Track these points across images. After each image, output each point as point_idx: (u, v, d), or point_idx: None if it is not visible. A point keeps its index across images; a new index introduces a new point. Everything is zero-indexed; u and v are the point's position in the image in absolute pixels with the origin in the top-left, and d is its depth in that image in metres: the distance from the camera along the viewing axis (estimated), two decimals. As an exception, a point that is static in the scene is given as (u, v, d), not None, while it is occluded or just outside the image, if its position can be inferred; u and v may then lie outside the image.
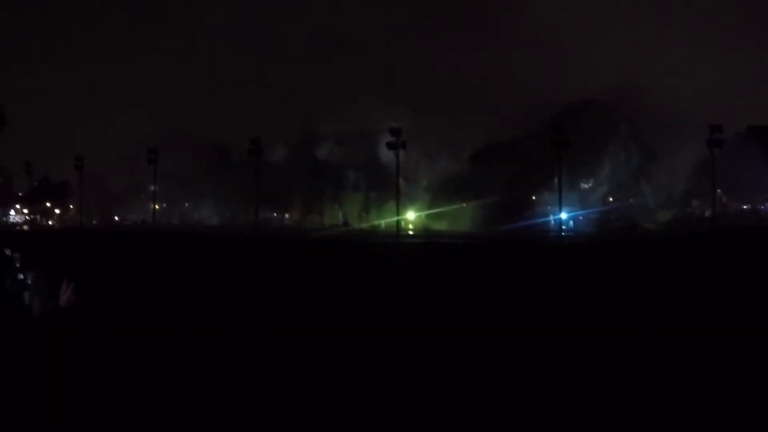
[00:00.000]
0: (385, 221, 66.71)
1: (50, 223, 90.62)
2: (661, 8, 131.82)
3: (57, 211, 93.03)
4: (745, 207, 71.49)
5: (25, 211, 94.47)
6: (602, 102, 68.58)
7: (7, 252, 3.43)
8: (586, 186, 67.80)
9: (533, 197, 66.78)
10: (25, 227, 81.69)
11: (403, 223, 63.17)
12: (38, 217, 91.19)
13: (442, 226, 64.87)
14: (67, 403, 3.59)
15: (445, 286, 16.59)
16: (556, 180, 56.10)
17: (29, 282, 3.62)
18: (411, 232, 62.76)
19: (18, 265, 3.63)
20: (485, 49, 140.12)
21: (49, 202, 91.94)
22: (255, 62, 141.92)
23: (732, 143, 63.34)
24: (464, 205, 66.10)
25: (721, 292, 15.32)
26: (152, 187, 68.39)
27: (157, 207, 70.63)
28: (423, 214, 69.72)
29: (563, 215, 58.27)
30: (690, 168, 64.65)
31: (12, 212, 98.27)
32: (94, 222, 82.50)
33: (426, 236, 53.75)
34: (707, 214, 61.31)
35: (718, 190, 61.39)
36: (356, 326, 10.24)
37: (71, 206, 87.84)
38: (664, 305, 13.21)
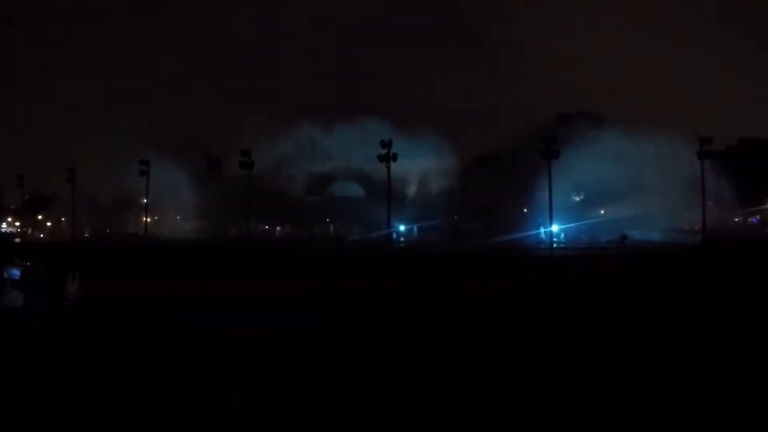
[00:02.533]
0: (376, 233, 66.52)
1: (41, 236, 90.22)
2: (655, 25, 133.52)
3: (48, 223, 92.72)
4: (736, 219, 71.76)
5: (17, 223, 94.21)
6: (594, 113, 68.87)
7: None
8: (577, 198, 67.80)
9: (524, 209, 66.69)
10: (17, 240, 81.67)
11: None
12: (28, 229, 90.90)
13: (432, 238, 64.76)
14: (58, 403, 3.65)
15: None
16: (546, 192, 56.06)
17: (17, 279, 3.72)
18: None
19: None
20: (480, 64, 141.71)
21: (40, 214, 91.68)
22: (251, 73, 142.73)
23: (723, 156, 63.86)
24: (456, 217, 66.07)
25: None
26: (144, 200, 68.11)
27: (148, 219, 70.24)
28: (414, 226, 69.71)
29: (554, 227, 58.22)
30: (681, 180, 64.82)
31: (4, 225, 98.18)
32: (86, 234, 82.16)
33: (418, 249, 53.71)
34: (697, 226, 61.41)
35: (710, 203, 61.56)
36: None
37: (63, 219, 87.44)
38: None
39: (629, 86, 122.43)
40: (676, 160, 61.94)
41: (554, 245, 56.58)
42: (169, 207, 76.99)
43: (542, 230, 61.04)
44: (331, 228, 74.00)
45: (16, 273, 3.85)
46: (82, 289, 3.99)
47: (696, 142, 57.39)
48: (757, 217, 73.27)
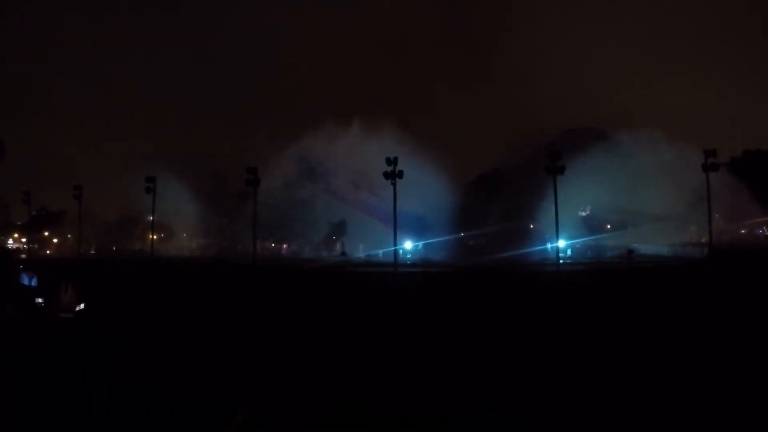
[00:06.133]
0: (383, 251, 66.34)
1: (48, 252, 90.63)
2: (658, 38, 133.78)
3: (55, 240, 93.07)
4: (743, 231, 71.56)
5: (23, 239, 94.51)
6: (599, 129, 68.86)
7: None
8: (583, 213, 67.70)
9: (531, 225, 66.64)
10: (23, 256, 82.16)
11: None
12: (35, 246, 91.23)
13: (438, 255, 64.67)
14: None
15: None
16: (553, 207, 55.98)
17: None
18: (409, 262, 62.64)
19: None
20: (484, 80, 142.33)
21: (47, 231, 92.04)
22: (253, 89, 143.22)
23: (729, 168, 63.73)
24: (462, 234, 65.95)
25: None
26: (150, 217, 68.10)
27: (155, 237, 70.32)
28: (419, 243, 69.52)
29: (561, 243, 58.09)
30: (687, 193, 64.69)
31: (10, 241, 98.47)
32: (92, 251, 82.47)
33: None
34: (704, 239, 61.27)
35: (716, 215, 61.38)
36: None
37: (69, 235, 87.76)
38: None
39: (632, 101, 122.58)
40: (681, 174, 61.86)
41: (560, 261, 56.51)
42: (176, 224, 77.16)
43: (549, 246, 61.01)
44: (338, 245, 73.81)
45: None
46: (77, 300, 4.15)
47: (700, 155, 57.26)
48: (764, 228, 73.05)
